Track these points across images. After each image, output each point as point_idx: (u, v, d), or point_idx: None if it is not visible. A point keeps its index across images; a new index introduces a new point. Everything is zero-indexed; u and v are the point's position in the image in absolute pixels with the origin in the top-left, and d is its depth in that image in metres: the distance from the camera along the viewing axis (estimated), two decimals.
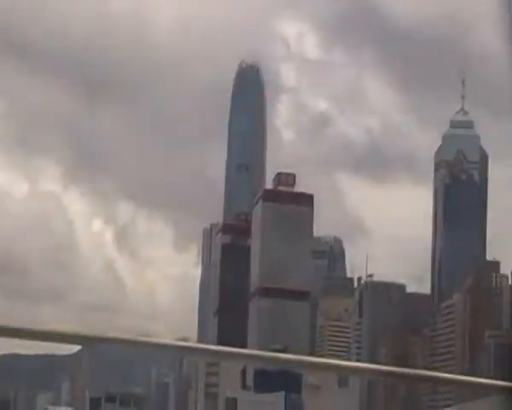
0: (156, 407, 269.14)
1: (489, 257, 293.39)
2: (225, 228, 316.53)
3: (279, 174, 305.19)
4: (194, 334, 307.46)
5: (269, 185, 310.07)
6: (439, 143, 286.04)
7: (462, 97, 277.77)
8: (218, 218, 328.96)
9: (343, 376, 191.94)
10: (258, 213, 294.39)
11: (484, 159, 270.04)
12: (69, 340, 6.37)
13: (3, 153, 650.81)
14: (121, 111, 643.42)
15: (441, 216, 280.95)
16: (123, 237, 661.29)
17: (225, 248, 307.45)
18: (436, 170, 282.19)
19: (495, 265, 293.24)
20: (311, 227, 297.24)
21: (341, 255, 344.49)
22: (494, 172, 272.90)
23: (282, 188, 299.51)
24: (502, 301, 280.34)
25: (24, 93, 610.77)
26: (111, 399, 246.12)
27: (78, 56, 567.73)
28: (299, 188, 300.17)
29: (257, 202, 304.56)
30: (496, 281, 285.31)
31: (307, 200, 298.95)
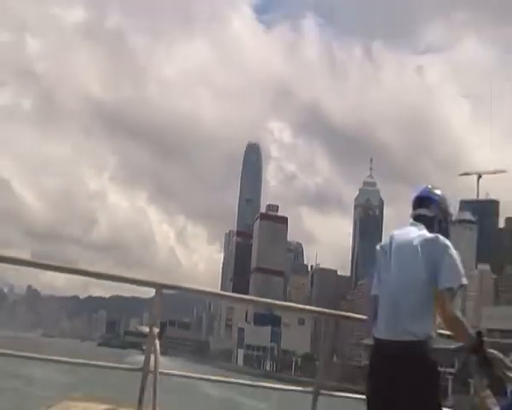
0: (196, 330, 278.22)
1: None
2: (238, 233, 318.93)
3: (268, 205, 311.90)
4: (218, 290, 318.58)
5: (263, 211, 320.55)
6: (356, 193, 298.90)
7: (370, 169, 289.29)
8: (234, 227, 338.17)
9: (301, 318, 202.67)
10: (257, 226, 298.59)
11: (381, 203, 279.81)
12: (148, 285, 6.53)
13: (117, 185, 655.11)
14: (180, 165, 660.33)
15: (357, 234, 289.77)
16: (180, 235, 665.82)
17: (238, 244, 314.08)
18: (355, 209, 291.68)
19: None
20: (286, 235, 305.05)
21: (301, 252, 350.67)
22: (387, 211, 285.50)
23: (270, 213, 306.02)
24: None
25: (127, 153, 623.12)
26: (172, 324, 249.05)
27: (158, 132, 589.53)
28: (280, 213, 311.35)
29: (256, 220, 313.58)
30: None
31: (284, 220, 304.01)
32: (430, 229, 4.44)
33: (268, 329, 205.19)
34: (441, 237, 4.34)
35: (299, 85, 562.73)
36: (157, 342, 4.79)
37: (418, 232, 4.40)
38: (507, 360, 4.38)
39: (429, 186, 4.75)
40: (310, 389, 4.72)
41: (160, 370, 4.63)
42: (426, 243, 4.32)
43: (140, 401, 4.83)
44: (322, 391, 4.73)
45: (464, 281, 4.19)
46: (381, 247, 4.60)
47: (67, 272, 6.00)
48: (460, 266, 4.23)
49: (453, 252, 4.27)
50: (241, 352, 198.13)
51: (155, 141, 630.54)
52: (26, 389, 27.09)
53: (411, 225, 4.54)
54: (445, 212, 4.67)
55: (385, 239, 4.70)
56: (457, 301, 4.24)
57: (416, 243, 4.33)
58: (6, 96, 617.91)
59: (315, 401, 4.72)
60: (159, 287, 5.40)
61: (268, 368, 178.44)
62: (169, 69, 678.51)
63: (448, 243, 4.29)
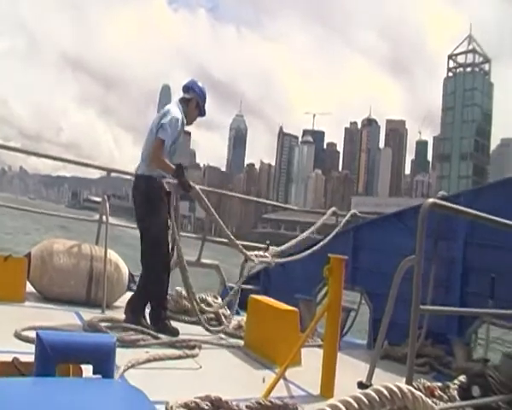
0: (128, 200, 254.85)
1: None
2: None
3: None
4: None
5: None
6: (230, 121, 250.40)
7: (240, 106, 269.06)
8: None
9: None
10: None
11: (246, 127, 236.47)
12: (102, 169, 5.97)
13: (75, 104, 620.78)
14: (118, 94, 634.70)
15: (231, 146, 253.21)
16: (116, 140, 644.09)
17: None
18: (230, 130, 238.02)
19: None
20: (190, 144, 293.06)
21: (194, 155, 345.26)
22: (249, 132, 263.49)
23: None
24: None
25: (82, 83, 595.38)
26: (113, 196, 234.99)
27: (103, 70, 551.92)
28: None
29: None
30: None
31: (188, 134, 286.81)
32: (187, 107, 4.25)
33: (186, 203, 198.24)
34: (170, 106, 4.20)
35: (193, 50, 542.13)
36: (107, 204, 4.98)
37: (169, 105, 4.25)
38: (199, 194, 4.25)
39: (195, 80, 4.40)
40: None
41: (109, 222, 4.86)
42: (163, 110, 4.20)
43: (96, 243, 5.10)
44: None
45: (165, 138, 4.00)
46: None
47: (45, 157, 6.55)
48: (170, 127, 4.03)
49: (172, 117, 4.06)
50: None
51: (101, 76, 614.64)
52: (21, 235, 25.31)
53: (175, 102, 4.32)
54: (201, 97, 4.32)
55: None
56: (162, 151, 4.00)
57: (162, 111, 4.23)
58: (5, 41, 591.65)
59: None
60: (108, 171, 5.76)
61: (189, 230, 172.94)
62: (112, 30, 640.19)
63: (174, 111, 4.13)
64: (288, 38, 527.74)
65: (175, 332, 3.94)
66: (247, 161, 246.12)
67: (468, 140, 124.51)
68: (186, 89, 4.35)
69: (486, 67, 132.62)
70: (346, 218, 5.71)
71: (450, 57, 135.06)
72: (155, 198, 4.05)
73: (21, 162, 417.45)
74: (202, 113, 4.37)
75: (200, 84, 4.40)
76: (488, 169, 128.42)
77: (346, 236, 5.30)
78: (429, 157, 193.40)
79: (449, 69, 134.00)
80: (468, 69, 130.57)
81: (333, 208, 5.98)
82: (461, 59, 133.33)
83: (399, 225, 4.74)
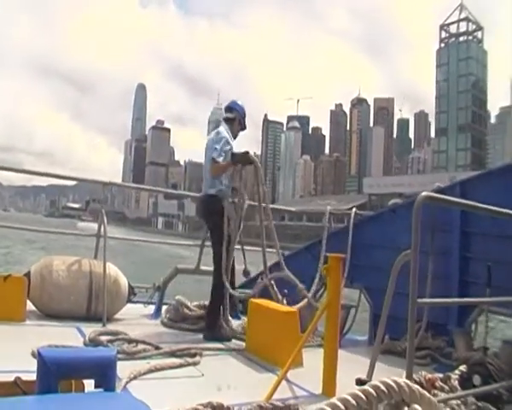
0: (107, 204, 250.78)
1: None
2: (136, 140, 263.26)
3: (158, 120, 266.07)
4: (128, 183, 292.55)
5: (148, 126, 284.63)
6: (209, 114, 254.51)
7: (218, 98, 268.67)
8: (127, 138, 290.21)
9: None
10: (150, 134, 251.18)
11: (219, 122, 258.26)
12: (96, 182, 5.90)
13: (48, 110, 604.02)
14: (91, 97, 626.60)
15: None
16: (90, 144, 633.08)
17: (136, 147, 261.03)
18: (209, 124, 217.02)
19: None
20: (169, 140, 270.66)
21: (173, 152, 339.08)
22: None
23: (158, 125, 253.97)
24: None
25: (54, 87, 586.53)
26: (93, 200, 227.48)
27: (76, 74, 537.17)
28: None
29: (149, 130, 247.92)
30: None
31: (168, 130, 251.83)
32: (231, 125, 4.81)
33: (175, 202, 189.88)
34: (220, 129, 4.79)
35: (165, 45, 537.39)
36: (105, 218, 4.93)
37: (219, 127, 4.82)
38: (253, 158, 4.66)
39: (235, 99, 5.04)
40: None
41: (107, 235, 4.90)
42: (213, 133, 4.79)
43: (95, 257, 5.10)
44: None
45: (215, 155, 4.56)
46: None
47: (25, 172, 6.33)
48: (219, 146, 4.59)
49: (220, 137, 4.67)
50: (161, 219, 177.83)
51: (73, 80, 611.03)
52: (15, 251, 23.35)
53: (221, 124, 4.90)
54: (242, 114, 4.92)
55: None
56: (220, 166, 4.56)
57: (212, 133, 4.83)
58: None
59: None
60: (105, 183, 5.77)
61: (180, 229, 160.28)
62: (81, 31, 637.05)
63: (222, 132, 4.72)
64: (262, 26, 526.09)
65: (227, 337, 4.38)
66: None
67: (464, 111, 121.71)
68: (229, 109, 4.96)
69: (479, 34, 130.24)
70: (352, 220, 5.48)
71: (441, 28, 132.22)
72: (216, 214, 4.59)
73: None
74: (244, 127, 5.00)
75: (239, 102, 5.03)
76: (487, 140, 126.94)
77: (344, 233, 5.34)
78: (411, 134, 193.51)
79: (441, 40, 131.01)
80: (461, 38, 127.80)
81: (329, 208, 5.87)
82: (453, 29, 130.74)
83: (396, 219, 4.78)
